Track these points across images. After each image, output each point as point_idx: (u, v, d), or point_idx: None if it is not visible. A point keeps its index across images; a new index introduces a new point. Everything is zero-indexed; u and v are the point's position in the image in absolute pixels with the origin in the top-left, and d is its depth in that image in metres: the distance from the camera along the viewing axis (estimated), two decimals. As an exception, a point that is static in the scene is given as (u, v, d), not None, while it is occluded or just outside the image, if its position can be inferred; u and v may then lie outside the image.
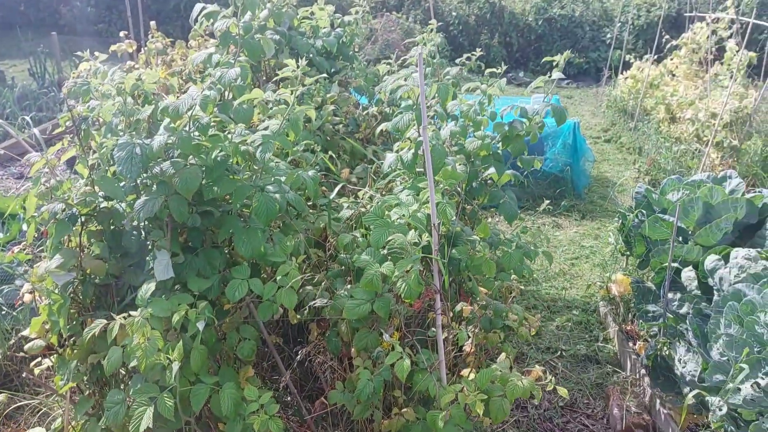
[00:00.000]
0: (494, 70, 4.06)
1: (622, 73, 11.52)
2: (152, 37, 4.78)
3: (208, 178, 2.55)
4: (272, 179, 2.67)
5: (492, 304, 3.15)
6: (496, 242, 4.06)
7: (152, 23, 5.52)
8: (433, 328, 2.82)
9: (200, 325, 2.34)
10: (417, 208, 2.77)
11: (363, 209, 3.38)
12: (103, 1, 17.47)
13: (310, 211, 3.62)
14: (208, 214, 2.66)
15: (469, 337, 2.85)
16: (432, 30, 5.42)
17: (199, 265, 2.65)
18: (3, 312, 4.27)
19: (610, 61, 13.29)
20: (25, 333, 2.85)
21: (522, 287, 5.66)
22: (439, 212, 2.76)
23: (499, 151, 4.02)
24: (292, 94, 2.94)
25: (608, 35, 15.19)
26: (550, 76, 3.93)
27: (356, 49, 5.97)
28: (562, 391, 2.56)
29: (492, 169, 4.00)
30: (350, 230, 3.28)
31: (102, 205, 2.60)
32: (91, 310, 2.71)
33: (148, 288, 2.36)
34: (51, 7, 18.26)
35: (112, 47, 4.29)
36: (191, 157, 2.52)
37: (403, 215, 2.73)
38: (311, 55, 5.01)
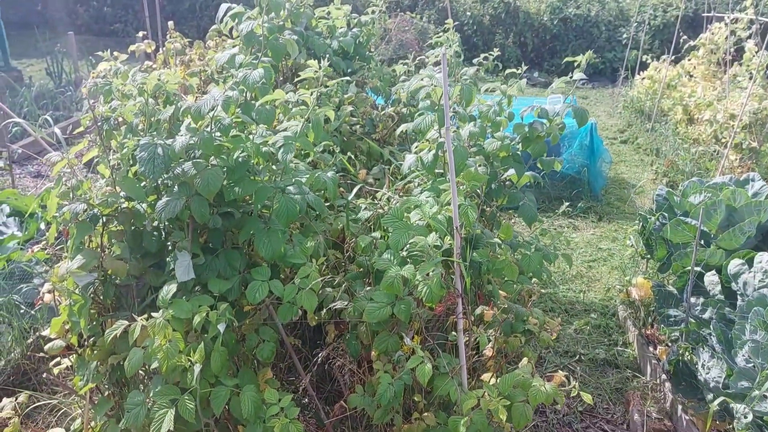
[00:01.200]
0: (514, 70, 4.02)
1: (638, 74, 11.43)
2: (170, 37, 4.78)
3: (230, 179, 2.54)
4: (293, 180, 2.65)
5: (513, 308, 3.11)
6: (515, 245, 4.02)
7: (170, 23, 5.52)
8: (454, 332, 2.79)
9: (221, 327, 2.32)
10: (438, 210, 2.73)
11: (381, 211, 3.36)
12: (119, 1, 17.57)
13: (329, 212, 3.61)
14: (228, 215, 2.64)
15: (489, 341, 2.82)
16: (450, 29, 5.39)
17: (220, 266, 2.64)
18: (21, 311, 4.28)
19: (626, 61, 13.19)
20: (45, 333, 2.84)
21: (540, 290, 5.63)
22: (461, 214, 2.73)
23: (518, 153, 3.99)
24: (312, 94, 2.92)
25: (624, 35, 15.08)
26: (571, 77, 3.88)
27: (372, 50, 5.95)
28: (586, 397, 2.53)
29: (511, 171, 3.97)
30: (368, 232, 3.25)
31: (123, 206, 2.59)
32: (111, 311, 2.71)
33: (169, 289, 2.35)
34: (68, 7, 18.38)
35: (131, 47, 4.29)
36: (213, 158, 2.50)
37: (424, 217, 2.70)
38: (328, 56, 4.99)
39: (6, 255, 4.77)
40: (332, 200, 3.45)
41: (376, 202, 3.40)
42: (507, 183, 4.14)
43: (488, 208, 3.72)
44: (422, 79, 3.15)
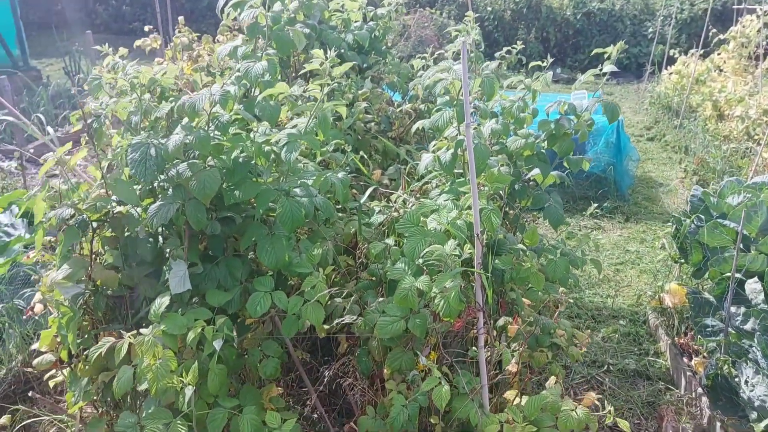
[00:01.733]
0: (539, 63, 3.77)
1: (665, 69, 11.06)
2: (178, 31, 4.60)
3: (229, 181, 2.33)
4: (299, 182, 2.43)
5: (539, 320, 2.87)
6: (539, 249, 3.78)
7: (180, 18, 5.35)
8: (474, 347, 2.55)
9: (217, 345, 2.11)
10: (457, 215, 2.50)
11: (396, 214, 3.14)
12: (138, 0, 17.54)
13: (340, 215, 3.39)
14: (229, 220, 2.43)
15: (513, 356, 2.58)
16: (471, 21, 5.14)
17: (220, 275, 2.43)
18: (24, 317, 4.12)
19: (652, 56, 12.81)
20: (34, 346, 2.66)
21: (568, 300, 5.36)
22: (483, 219, 2.49)
23: (543, 151, 3.74)
24: (321, 89, 2.71)
25: (650, 29, 14.68)
26: (600, 69, 3.63)
27: (389, 44, 5.72)
28: (624, 425, 2.28)
29: (536, 170, 3.72)
30: (382, 237, 3.03)
31: (116, 210, 2.39)
32: (104, 323, 2.51)
33: (162, 302, 2.15)
34: (87, 6, 18.40)
35: (137, 42, 4.11)
36: (210, 158, 2.29)
37: (441, 223, 2.46)
38: (342, 50, 4.77)
39: (11, 258, 4.62)
40: (343, 203, 3.23)
41: (390, 204, 3.17)
42: (531, 183, 3.90)
43: (511, 211, 3.48)
44: (440, 72, 2.91)
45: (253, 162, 2.38)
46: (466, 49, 2.24)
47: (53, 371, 2.91)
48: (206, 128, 2.27)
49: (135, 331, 2.11)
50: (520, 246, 2.88)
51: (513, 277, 2.81)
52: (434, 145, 3.11)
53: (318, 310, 2.27)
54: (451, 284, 2.20)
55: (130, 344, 2.05)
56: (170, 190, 2.25)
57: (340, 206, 3.27)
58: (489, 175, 2.68)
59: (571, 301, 5.14)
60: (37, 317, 3.26)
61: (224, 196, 2.31)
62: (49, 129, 2.67)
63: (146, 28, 4.48)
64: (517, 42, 5.29)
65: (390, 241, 2.73)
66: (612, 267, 5.96)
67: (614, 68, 3.64)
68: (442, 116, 2.81)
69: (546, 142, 3.64)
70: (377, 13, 4.99)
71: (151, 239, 2.44)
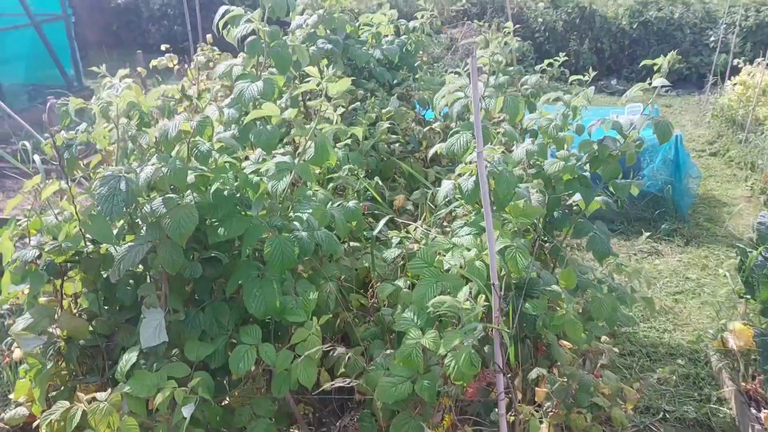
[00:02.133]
0: (581, 77, 3.38)
1: (729, 79, 10.38)
2: (201, 50, 4.40)
3: (213, 216, 2.04)
4: (294, 216, 2.13)
5: (576, 375, 2.47)
6: (583, 284, 3.37)
7: (208, 36, 5.18)
8: (496, 409, 2.18)
9: (187, 411, 1.82)
10: (476, 255, 2.14)
11: (416, 246, 2.80)
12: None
13: (356, 245, 3.08)
14: (215, 260, 2.14)
15: (541, 422, 2.19)
16: (509, 33, 4.78)
17: (205, 323, 2.14)
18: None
19: (714, 66, 12.09)
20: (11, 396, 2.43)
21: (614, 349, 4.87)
22: (507, 260, 2.13)
23: (586, 174, 3.35)
24: (317, 111, 2.41)
25: (711, 38, 13.92)
26: (650, 83, 3.22)
27: (424, 59, 5.40)
28: None
29: (577, 196, 3.33)
30: (398, 274, 2.70)
31: (91, 249, 2.14)
32: (82, 374, 2.26)
33: (128, 359, 1.87)
34: (141, 26, 18.74)
35: (153, 62, 3.92)
36: (190, 192, 2.01)
37: (454, 266, 2.11)
38: (372, 66, 4.48)
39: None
40: (358, 232, 2.93)
41: (409, 235, 2.84)
42: (574, 208, 3.50)
43: (547, 244, 3.09)
44: (457, 90, 2.57)
45: (240, 195, 2.08)
46: (476, 65, 1.89)
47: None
48: (184, 158, 1.99)
49: (92, 396, 1.84)
50: (556, 288, 2.49)
51: (546, 324, 2.43)
52: (458, 171, 2.77)
53: (310, 367, 1.95)
54: (462, 344, 1.85)
55: (80, 413, 1.77)
56: (144, 229, 1.98)
57: (347, 239, 2.96)
58: (514, 208, 2.32)
59: (616, 350, 4.62)
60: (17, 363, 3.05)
61: (208, 234, 2.03)
62: (36, 158, 2.46)
63: (163, 47, 4.29)
64: (570, 53, 4.89)
65: (401, 282, 2.39)
66: (670, 297, 5.45)
67: (664, 81, 3.24)
68: (459, 140, 2.46)
69: (588, 165, 3.25)
70: (409, 26, 4.68)
71: (131, 281, 2.17)
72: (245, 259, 2.08)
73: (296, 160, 2.14)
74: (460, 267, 2.09)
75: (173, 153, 1.98)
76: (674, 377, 4.23)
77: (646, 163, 7.01)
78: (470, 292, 2.02)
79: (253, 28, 2.56)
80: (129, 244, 1.95)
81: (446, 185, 2.59)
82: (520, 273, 2.14)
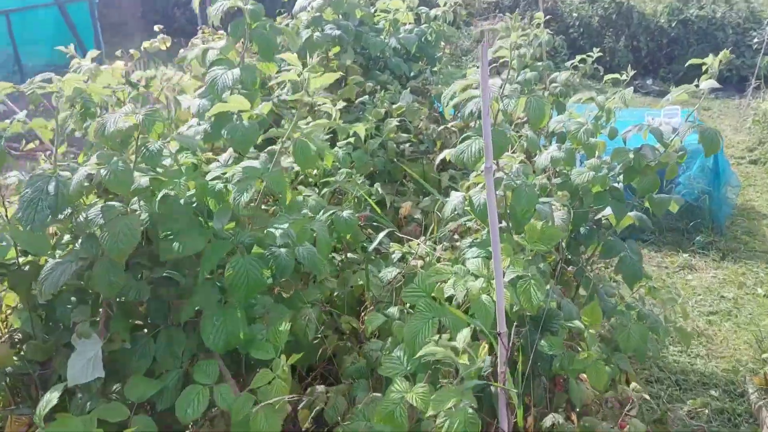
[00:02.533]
0: (617, 76, 2.98)
1: (773, 83, 9.80)
2: (201, 33, 4.08)
3: (167, 229, 1.71)
4: (266, 232, 1.78)
5: (599, 427, 2.10)
6: (609, 309, 2.99)
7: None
8: (501, 469, 1.82)
9: (117, 469, 1.49)
10: (484, 287, 1.78)
11: (419, 263, 2.44)
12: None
13: (354, 255, 2.74)
14: (168, 280, 1.81)
15: (556, 488, 1.83)
16: (539, 25, 4.39)
17: (158, 351, 1.81)
18: None
19: (758, 68, 11.47)
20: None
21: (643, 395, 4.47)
22: (520, 293, 1.76)
23: (618, 185, 2.96)
24: (335, 106, 2.07)
25: (755, 39, 13.26)
26: (696, 85, 2.82)
27: (447, 50, 5.02)
28: None
29: (608, 210, 2.95)
30: (396, 295, 2.35)
31: (24, 261, 1.82)
32: (14, 404, 1.94)
33: (49, 399, 1.55)
34: (166, 11, 18.55)
35: (145, 44, 3.61)
36: (137, 200, 1.68)
37: (460, 297, 1.75)
38: (387, 56, 4.12)
39: None
40: (355, 245, 2.58)
41: (412, 251, 2.48)
42: (602, 222, 3.13)
43: (570, 268, 2.72)
44: (470, 88, 2.20)
45: (198, 204, 1.75)
46: (487, 57, 1.50)
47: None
48: (131, 159, 1.66)
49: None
50: (578, 324, 2.12)
51: (564, 366, 2.06)
52: (471, 180, 2.40)
53: (272, 418, 1.61)
54: (458, 406, 1.49)
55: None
56: (79, 242, 1.66)
57: (347, 247, 2.61)
58: (531, 230, 1.94)
59: (646, 396, 4.20)
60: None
61: (160, 250, 1.69)
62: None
63: (156, 28, 3.97)
64: (604, 50, 4.48)
65: (395, 310, 2.04)
66: (703, 318, 5.01)
67: (714, 83, 2.84)
68: (470, 148, 2.09)
69: (622, 176, 2.87)
70: (430, 15, 4.31)
71: (73, 298, 1.85)
72: (205, 281, 1.75)
73: (272, 164, 1.80)
74: (462, 301, 1.74)
75: (106, 152, 1.65)
76: (707, 411, 3.82)
77: (681, 170, 6.54)
78: (473, 333, 1.66)
79: (237, 6, 2.21)
80: (53, 261, 1.63)
81: (455, 198, 2.23)
82: (534, 310, 1.78)
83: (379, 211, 2.69)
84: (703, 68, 2.90)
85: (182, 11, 18.16)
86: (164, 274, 1.77)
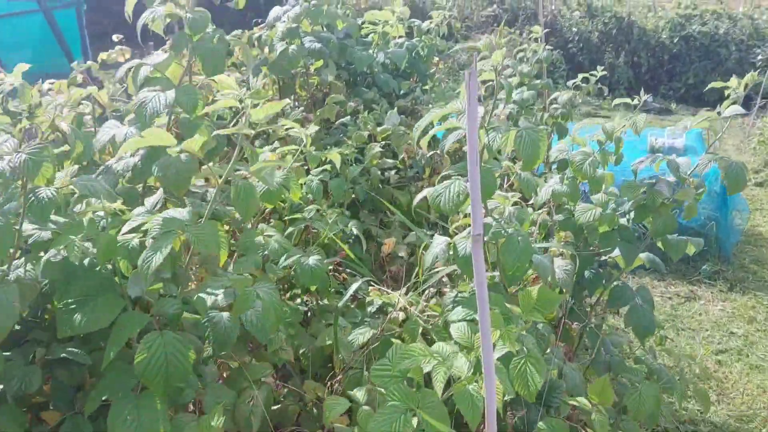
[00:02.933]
0: (627, 100, 2.65)
1: (779, 102, 9.50)
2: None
3: (65, 297, 1.35)
4: (196, 298, 1.43)
5: None
6: (616, 365, 2.65)
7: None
8: None
9: None
10: (471, 376, 1.42)
11: (401, 315, 2.09)
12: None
13: (325, 304, 2.38)
14: (65, 362, 1.45)
15: None
16: (538, 39, 4.08)
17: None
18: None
19: (762, 87, 11.18)
20: None
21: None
22: (514, 377, 1.41)
23: (627, 222, 2.63)
24: (307, 135, 1.71)
25: (759, 57, 13.00)
26: (719, 113, 2.50)
27: (440, 66, 4.69)
28: None
29: (616, 251, 2.62)
30: (369, 361, 1.99)
31: None
32: None
33: None
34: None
35: (102, 55, 3.26)
36: (22, 262, 1.32)
37: (441, 382, 1.40)
38: (376, 71, 3.78)
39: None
40: (326, 297, 2.23)
41: (391, 306, 2.13)
42: (608, 262, 2.79)
43: (574, 325, 2.37)
44: (451, 117, 1.85)
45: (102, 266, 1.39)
46: (476, 84, 1.15)
47: None
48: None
49: None
50: (584, 402, 1.76)
51: (567, 453, 1.71)
52: (461, 220, 2.05)
53: None
54: None
55: None
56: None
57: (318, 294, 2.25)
58: (525, 298, 1.59)
59: None
60: None
61: (57, 323, 1.34)
62: None
63: (115, 38, 3.62)
64: (602, 67, 4.17)
65: (361, 393, 1.67)
66: (711, 357, 4.66)
67: (739, 110, 2.52)
68: (449, 190, 1.74)
69: (633, 214, 2.53)
70: (421, 28, 3.98)
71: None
72: (114, 362, 1.39)
73: (207, 211, 1.45)
74: (449, 388, 1.38)
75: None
76: (720, 469, 3.47)
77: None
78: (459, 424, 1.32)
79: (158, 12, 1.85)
80: None
81: (437, 244, 1.88)
82: (532, 397, 1.43)
83: (353, 256, 2.33)
84: (726, 92, 2.57)
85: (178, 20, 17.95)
86: (70, 351, 1.41)
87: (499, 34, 3.26)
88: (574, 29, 14.23)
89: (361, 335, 1.90)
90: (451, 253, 1.80)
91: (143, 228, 1.41)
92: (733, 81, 2.37)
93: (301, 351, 2.22)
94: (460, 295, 1.86)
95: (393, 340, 1.69)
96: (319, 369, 2.28)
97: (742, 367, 4.50)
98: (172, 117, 1.71)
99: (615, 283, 2.63)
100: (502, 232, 1.68)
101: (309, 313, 2.41)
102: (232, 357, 1.70)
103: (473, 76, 1.09)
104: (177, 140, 1.56)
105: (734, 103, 2.34)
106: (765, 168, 8.92)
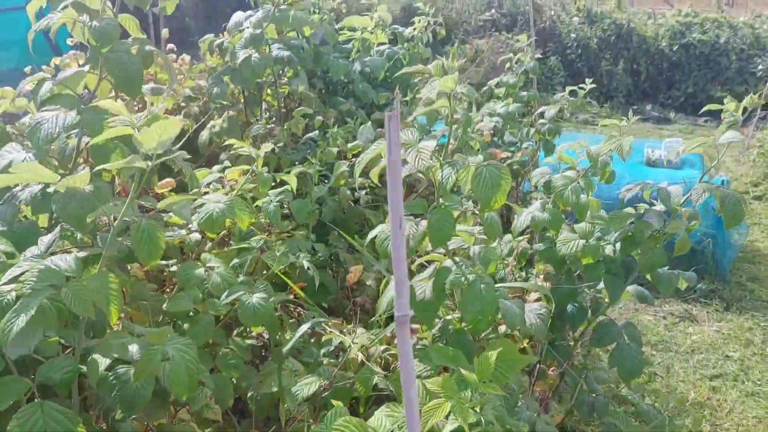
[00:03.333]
0: (616, 122, 2.44)
1: (780, 114, 9.31)
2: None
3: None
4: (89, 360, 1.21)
5: None
6: (600, 406, 2.45)
7: (164, 31, 4.34)
8: None
9: None
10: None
11: (360, 356, 1.88)
12: (201, 12, 17.04)
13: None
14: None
15: None
16: (529, 44, 3.88)
17: None
18: None
19: (762, 97, 10.97)
20: None
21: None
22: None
23: (613, 254, 2.42)
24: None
25: (760, 66, 12.82)
26: (723, 128, 2.30)
27: (427, 75, 4.47)
28: None
29: (600, 285, 2.41)
30: (323, 409, 1.77)
31: None
32: None
33: None
34: (148, 17, 18.09)
35: (54, 60, 3.05)
36: None
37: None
38: (354, 81, 3.57)
39: None
40: (275, 337, 2.01)
41: (352, 341, 1.91)
42: (594, 298, 2.59)
43: (552, 369, 2.15)
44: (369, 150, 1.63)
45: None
46: (396, 138, 0.91)
47: None
48: None
49: None
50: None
51: None
52: (426, 256, 1.84)
53: None
54: None
55: None
56: None
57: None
58: (481, 363, 1.37)
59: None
60: None
61: None
62: None
63: (68, 41, 3.40)
64: (602, 74, 3.96)
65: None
66: (706, 382, 4.45)
67: (737, 136, 2.33)
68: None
69: (619, 246, 2.32)
70: (404, 35, 3.76)
71: None
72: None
73: (102, 257, 1.23)
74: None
75: None
76: None
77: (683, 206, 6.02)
78: None
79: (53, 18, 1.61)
80: None
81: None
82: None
83: (302, 294, 2.11)
84: (723, 113, 2.37)
85: (168, 19, 17.74)
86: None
87: (452, 56, 3.05)
88: (573, 35, 14.03)
89: (306, 386, 1.68)
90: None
91: (22, 278, 1.19)
92: (731, 104, 2.16)
93: (249, 394, 2.01)
94: (421, 342, 1.65)
95: (334, 404, 1.47)
96: (271, 412, 2.07)
97: (737, 395, 4.29)
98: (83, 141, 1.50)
99: (600, 318, 2.42)
100: (463, 279, 1.47)
101: (264, 351, 2.20)
102: (148, 417, 1.48)
103: (393, 120, 0.87)
104: (91, 167, 1.35)
105: (732, 125, 2.12)
106: (764, 181, 8.71)
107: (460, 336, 1.60)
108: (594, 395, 2.46)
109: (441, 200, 1.54)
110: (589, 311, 2.52)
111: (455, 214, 1.58)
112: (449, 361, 1.35)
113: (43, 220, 1.46)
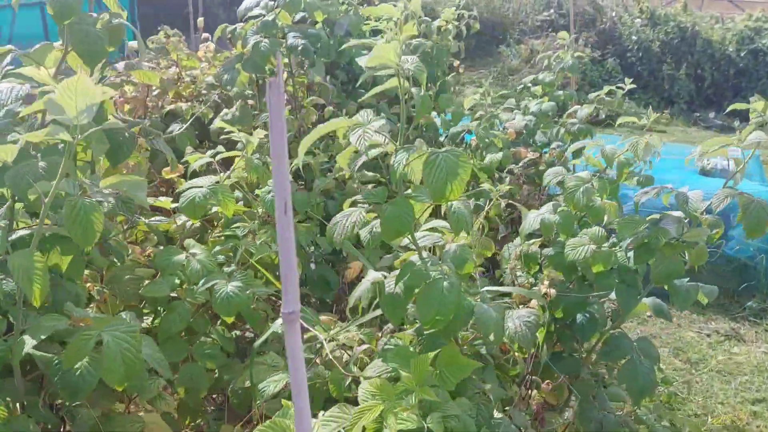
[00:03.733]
0: (634, 119, 2.27)
1: None
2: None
3: None
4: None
5: None
6: (609, 424, 2.30)
7: (200, 20, 4.35)
8: None
9: None
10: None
11: (344, 358, 1.78)
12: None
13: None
14: None
15: None
16: (566, 44, 3.72)
17: None
18: None
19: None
20: None
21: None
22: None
23: (628, 263, 2.25)
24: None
25: (834, 75, 12.10)
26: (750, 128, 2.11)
27: (461, 70, 4.34)
28: None
29: (612, 295, 2.26)
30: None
31: None
32: None
33: None
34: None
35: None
36: None
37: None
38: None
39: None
40: (253, 325, 1.93)
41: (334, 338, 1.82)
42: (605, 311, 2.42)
43: (547, 382, 2.01)
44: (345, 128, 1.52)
45: None
46: (279, 107, 0.79)
47: None
48: None
49: None
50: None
51: None
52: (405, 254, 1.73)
53: None
54: None
55: None
56: None
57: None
58: (417, 365, 1.24)
59: None
60: None
61: None
62: None
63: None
64: (663, 78, 3.76)
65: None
66: (747, 406, 4.16)
67: (764, 136, 2.12)
68: (346, 220, 1.41)
69: (633, 254, 2.15)
70: (432, 27, 3.64)
71: None
72: None
73: (35, 238, 1.16)
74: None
75: None
76: None
77: (735, 222, 5.68)
78: None
79: None
80: None
81: (366, 282, 1.56)
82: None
83: (277, 285, 2.03)
84: (750, 113, 2.17)
85: (227, 12, 17.99)
86: None
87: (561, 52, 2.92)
88: (634, 37, 13.54)
89: (273, 383, 1.60)
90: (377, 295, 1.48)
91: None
92: (759, 103, 1.96)
93: (230, 387, 1.94)
94: (393, 341, 1.54)
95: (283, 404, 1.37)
96: (254, 406, 1.99)
97: (782, 423, 4.00)
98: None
99: (611, 331, 2.25)
100: (423, 272, 1.35)
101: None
102: (93, 405, 1.42)
103: (275, 88, 0.77)
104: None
105: (761, 126, 1.92)
106: (831, 196, 8.19)
107: (435, 339, 1.49)
108: (605, 413, 2.29)
109: (394, 188, 1.44)
110: (609, 322, 2.36)
111: (423, 206, 1.47)
112: (402, 363, 1.24)
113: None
